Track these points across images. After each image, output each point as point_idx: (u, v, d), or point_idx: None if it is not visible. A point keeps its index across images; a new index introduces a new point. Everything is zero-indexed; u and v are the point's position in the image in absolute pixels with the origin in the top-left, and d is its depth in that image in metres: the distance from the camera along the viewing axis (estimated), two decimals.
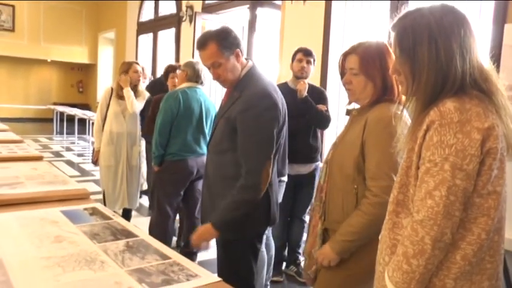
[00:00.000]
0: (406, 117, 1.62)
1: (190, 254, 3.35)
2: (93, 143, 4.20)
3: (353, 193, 1.64)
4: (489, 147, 1.07)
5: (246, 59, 2.07)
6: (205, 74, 3.28)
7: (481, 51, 1.17)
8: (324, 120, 3.25)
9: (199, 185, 3.25)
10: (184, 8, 8.48)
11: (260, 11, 6.94)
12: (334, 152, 1.74)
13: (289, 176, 3.01)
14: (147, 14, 10.60)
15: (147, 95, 4.15)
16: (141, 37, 10.80)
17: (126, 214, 4.14)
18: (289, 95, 2.71)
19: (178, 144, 3.25)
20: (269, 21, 7.10)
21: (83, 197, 1.96)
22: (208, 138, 2.74)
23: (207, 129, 3.32)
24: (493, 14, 4.19)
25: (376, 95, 1.63)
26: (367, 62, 1.63)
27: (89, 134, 9.91)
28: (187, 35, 8.24)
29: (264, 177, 1.92)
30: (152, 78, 6.39)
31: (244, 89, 1.97)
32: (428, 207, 1.08)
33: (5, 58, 13.15)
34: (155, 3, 10.06)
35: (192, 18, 8.07)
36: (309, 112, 3.14)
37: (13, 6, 12.75)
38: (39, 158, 2.75)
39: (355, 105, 1.78)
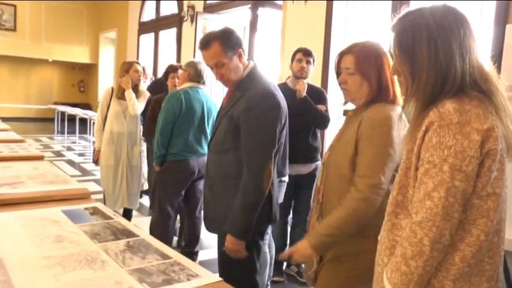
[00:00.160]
0: (404, 117, 1.63)
1: (191, 254, 3.36)
2: (94, 142, 4.20)
3: (348, 192, 1.63)
4: (488, 149, 1.07)
5: (248, 59, 2.09)
6: (207, 74, 3.28)
7: (481, 51, 1.17)
8: (323, 120, 3.25)
9: (201, 184, 3.25)
10: (185, 8, 8.48)
11: (261, 11, 6.94)
12: (331, 153, 1.74)
13: (289, 176, 3.00)
14: (149, 14, 10.60)
15: (147, 95, 4.14)
16: (143, 37, 10.80)
17: (127, 214, 4.14)
18: (289, 95, 2.71)
19: (179, 145, 3.25)
20: (270, 21, 7.10)
21: (84, 196, 1.96)
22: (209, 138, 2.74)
23: (209, 130, 3.32)
24: (495, 14, 4.19)
25: (372, 95, 1.63)
26: (362, 61, 1.63)
27: (90, 133, 9.93)
28: (189, 35, 8.24)
29: (266, 176, 1.94)
30: (153, 78, 6.39)
31: (246, 88, 1.99)
32: (427, 208, 1.07)
33: (6, 58, 13.16)
34: (156, 3, 10.06)
35: (193, 18, 8.07)
36: (308, 112, 3.14)
37: (15, 6, 12.76)
38: (40, 158, 2.75)
39: (351, 106, 1.78)
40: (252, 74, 2.04)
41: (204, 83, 3.36)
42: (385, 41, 1.72)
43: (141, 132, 4.24)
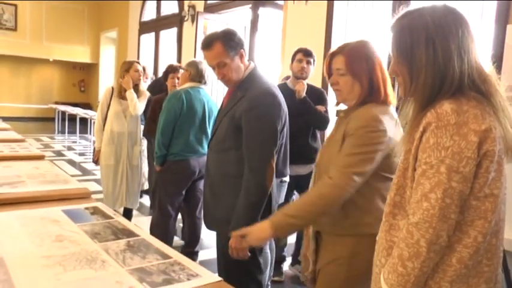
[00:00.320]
0: (393, 117, 1.61)
1: (191, 254, 3.36)
2: (94, 142, 4.20)
3: None
4: (486, 150, 1.06)
5: (248, 60, 2.13)
6: (209, 73, 3.28)
7: (480, 51, 1.16)
8: (322, 121, 3.24)
9: (201, 184, 3.25)
10: (186, 8, 8.49)
11: (262, 10, 6.94)
12: (322, 154, 1.74)
13: (289, 176, 3.00)
14: (149, 14, 10.60)
15: (148, 95, 4.14)
16: (143, 37, 10.81)
17: (127, 213, 4.14)
18: (288, 96, 2.71)
19: (180, 145, 3.25)
20: (271, 21, 7.10)
21: (84, 196, 1.97)
22: None
23: (210, 130, 3.32)
24: (495, 15, 4.18)
25: (363, 95, 1.62)
26: (353, 62, 1.62)
27: (90, 133, 9.93)
28: (189, 34, 8.24)
29: (269, 174, 1.97)
30: (154, 78, 6.39)
31: (247, 89, 2.02)
32: (424, 209, 1.07)
33: (7, 57, 13.17)
34: (157, 2, 10.06)
35: (194, 18, 8.07)
36: (307, 113, 3.14)
37: (15, 6, 12.77)
38: (40, 157, 2.75)
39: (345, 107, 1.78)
40: (253, 74, 2.07)
41: (205, 83, 3.36)
42: (386, 41, 1.72)
43: (141, 132, 4.24)
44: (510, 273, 2.37)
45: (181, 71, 3.78)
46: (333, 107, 1.80)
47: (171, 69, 3.95)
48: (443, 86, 1.12)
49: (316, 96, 3.26)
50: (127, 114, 3.98)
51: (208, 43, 2.01)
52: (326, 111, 3.26)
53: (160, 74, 6.35)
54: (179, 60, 8.47)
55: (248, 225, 1.94)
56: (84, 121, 10.81)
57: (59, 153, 8.58)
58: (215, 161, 2.12)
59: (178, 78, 3.82)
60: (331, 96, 3.86)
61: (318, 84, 3.79)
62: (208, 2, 7.94)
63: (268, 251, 2.79)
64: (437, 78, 1.12)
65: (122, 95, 3.95)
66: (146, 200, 5.09)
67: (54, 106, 12.57)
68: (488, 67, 1.17)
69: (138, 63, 4.11)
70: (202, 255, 3.63)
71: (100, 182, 4.35)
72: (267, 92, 2.00)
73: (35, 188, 1.98)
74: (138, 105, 3.93)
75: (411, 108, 1.19)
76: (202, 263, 2.87)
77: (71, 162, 7.71)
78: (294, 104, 2.95)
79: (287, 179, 2.95)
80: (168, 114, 3.21)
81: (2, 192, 1.87)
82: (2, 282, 1.11)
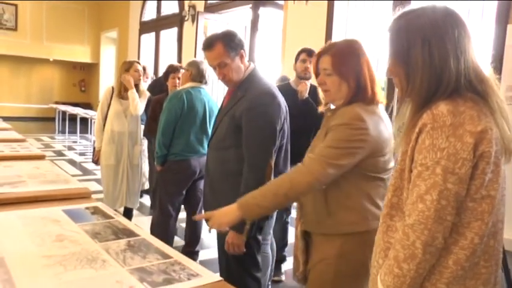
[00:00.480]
0: (381, 117, 1.61)
1: (192, 254, 3.36)
2: (94, 142, 4.20)
3: (322, 192, 1.63)
4: (482, 151, 1.05)
5: (248, 61, 2.16)
6: (209, 73, 3.28)
7: (477, 51, 1.15)
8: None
9: (201, 184, 3.25)
10: (186, 8, 8.49)
11: (262, 10, 6.95)
12: (307, 153, 1.75)
13: None
14: (150, 14, 10.61)
15: (148, 94, 4.14)
16: (144, 36, 10.81)
17: (128, 213, 4.14)
18: (291, 96, 2.70)
19: (181, 145, 3.25)
20: (271, 21, 7.10)
21: (85, 196, 1.97)
22: None
23: (210, 130, 3.32)
24: (496, 15, 4.18)
25: (350, 95, 1.61)
26: (339, 62, 1.62)
27: (90, 133, 9.94)
28: (190, 34, 8.24)
29: (268, 172, 2.00)
30: (154, 78, 6.39)
31: (247, 89, 2.05)
32: (419, 211, 1.06)
33: (7, 57, 13.17)
34: (157, 2, 10.07)
35: (194, 18, 8.07)
36: (309, 113, 3.14)
37: (16, 6, 12.78)
38: (41, 157, 2.75)
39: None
40: (253, 75, 2.11)
41: (206, 83, 3.36)
42: (385, 41, 1.72)
43: (142, 132, 4.24)
44: (510, 273, 2.37)
45: (182, 71, 3.78)
46: (322, 107, 1.79)
47: (172, 69, 3.95)
48: (439, 87, 1.11)
49: (319, 97, 3.25)
50: (127, 114, 3.98)
51: (210, 44, 2.05)
52: None
53: (160, 74, 6.36)
54: (179, 60, 8.48)
55: (246, 222, 1.96)
56: (84, 121, 10.82)
57: (59, 153, 8.58)
58: (215, 159, 2.15)
59: (179, 78, 3.81)
60: None
61: None
62: (209, 2, 7.94)
63: (269, 251, 2.81)
64: (433, 79, 1.12)
65: (122, 94, 3.95)
66: (147, 200, 5.09)
67: (54, 106, 12.57)
68: (486, 68, 1.16)
69: (138, 63, 4.10)
70: (203, 255, 3.64)
71: (100, 182, 4.35)
72: (266, 92, 2.04)
73: (36, 188, 1.98)
74: (140, 105, 3.93)
75: (408, 109, 1.18)
76: (203, 263, 2.87)
77: (72, 162, 7.72)
78: (296, 104, 2.95)
79: None
80: (168, 114, 3.21)
81: (3, 192, 1.87)
82: (3, 281, 1.11)
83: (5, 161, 2.52)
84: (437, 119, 1.07)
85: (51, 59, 13.86)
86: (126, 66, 3.99)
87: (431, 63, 1.12)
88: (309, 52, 3.26)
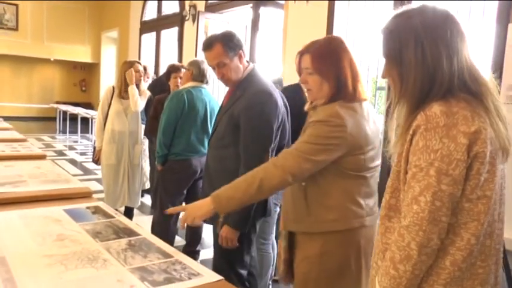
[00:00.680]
0: (363, 115, 1.60)
1: (193, 253, 3.36)
2: (95, 141, 4.20)
3: (301, 190, 1.64)
4: (476, 152, 1.05)
5: (248, 61, 2.21)
6: (210, 73, 3.28)
7: (472, 51, 1.15)
8: None
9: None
10: (187, 7, 8.49)
11: (263, 10, 6.94)
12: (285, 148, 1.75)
13: None
14: (150, 13, 10.61)
15: (148, 93, 4.14)
16: (144, 36, 10.81)
17: (128, 213, 4.14)
18: (300, 95, 2.69)
19: (182, 144, 3.25)
20: (272, 20, 7.10)
21: (86, 195, 1.97)
22: None
23: (211, 129, 3.32)
24: (497, 14, 4.18)
25: (331, 93, 1.61)
26: (319, 60, 1.61)
27: (91, 132, 9.95)
28: (190, 34, 8.24)
29: None
30: (155, 77, 6.40)
31: (246, 88, 2.09)
32: (414, 212, 1.06)
33: (8, 57, 13.18)
34: (158, 2, 10.07)
35: (195, 18, 8.07)
36: None
37: (16, 6, 12.78)
38: (42, 157, 2.76)
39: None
40: (252, 74, 2.15)
41: (207, 82, 3.37)
42: (379, 42, 1.71)
43: (143, 132, 4.24)
44: (511, 272, 2.37)
45: (183, 70, 3.78)
46: (306, 107, 1.78)
47: (173, 69, 3.95)
48: (432, 88, 1.11)
49: None
50: (128, 113, 3.98)
51: (209, 44, 2.11)
52: None
53: (161, 74, 6.36)
54: (180, 59, 8.48)
55: (240, 218, 2.00)
56: (85, 121, 10.82)
57: (60, 153, 8.59)
58: (214, 157, 2.19)
59: (180, 78, 3.81)
60: None
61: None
62: (209, 1, 7.94)
63: (271, 250, 2.83)
64: (426, 79, 1.12)
65: (122, 94, 3.95)
66: (147, 199, 5.09)
67: (55, 106, 12.57)
68: (482, 68, 1.16)
69: (139, 63, 4.10)
70: (204, 254, 3.64)
71: (101, 182, 4.35)
72: (263, 91, 2.07)
73: (37, 188, 1.99)
74: (139, 101, 3.92)
75: (402, 110, 1.18)
76: (204, 262, 2.87)
77: (73, 162, 7.72)
78: (305, 103, 2.93)
79: None
80: (169, 114, 3.21)
81: (4, 191, 1.88)
82: (4, 281, 1.12)
83: (6, 161, 2.52)
84: (431, 120, 1.07)
85: (52, 59, 13.86)
86: (127, 67, 3.99)
87: (423, 64, 1.11)
88: None
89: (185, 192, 3.40)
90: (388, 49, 1.18)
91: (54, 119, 12.80)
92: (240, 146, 2.05)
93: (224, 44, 2.08)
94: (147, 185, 5.08)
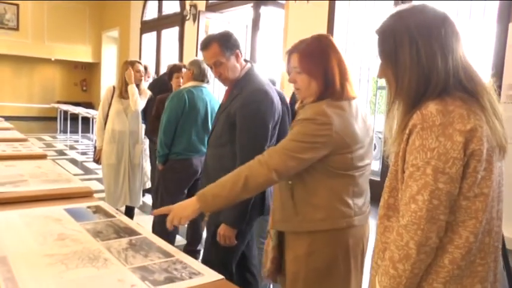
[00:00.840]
0: (351, 113, 1.58)
1: (193, 252, 3.36)
2: (95, 141, 4.20)
3: (288, 189, 1.63)
4: (473, 149, 1.05)
5: (246, 60, 2.23)
6: (211, 72, 3.28)
7: (467, 51, 1.15)
8: None
9: None
10: (188, 7, 8.50)
11: (264, 9, 6.95)
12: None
13: None
14: (151, 13, 10.62)
15: (148, 93, 4.14)
16: (145, 36, 10.82)
17: (129, 212, 4.14)
18: None
19: (183, 144, 3.25)
20: (273, 20, 7.10)
21: (86, 195, 1.97)
22: None
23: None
24: (497, 14, 4.18)
25: (319, 92, 1.60)
26: (306, 60, 1.61)
27: (92, 132, 9.95)
28: (191, 33, 8.25)
29: None
30: (156, 77, 6.40)
31: (243, 87, 2.12)
32: (412, 211, 1.07)
33: (9, 57, 13.20)
34: (159, 2, 10.08)
35: (195, 17, 8.07)
36: None
37: (17, 6, 12.80)
38: (43, 157, 2.76)
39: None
40: (249, 74, 2.17)
41: (207, 82, 3.37)
42: (374, 42, 1.70)
43: (143, 131, 4.24)
44: None
45: (184, 70, 3.77)
46: (296, 106, 1.77)
47: (175, 69, 3.95)
48: (428, 88, 1.11)
49: None
50: (128, 113, 3.99)
51: (206, 44, 2.14)
52: None
53: (161, 73, 6.36)
54: (181, 59, 8.48)
55: (237, 216, 2.02)
56: (86, 120, 10.83)
57: (61, 153, 8.60)
58: (213, 156, 2.21)
59: (183, 78, 3.81)
60: None
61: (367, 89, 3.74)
62: (210, 1, 7.95)
63: None
64: (421, 79, 1.12)
65: (123, 94, 3.95)
66: (148, 199, 5.10)
67: (56, 105, 12.59)
68: (477, 66, 1.16)
69: (140, 63, 4.10)
70: None
71: (102, 181, 4.36)
72: (259, 90, 2.08)
73: (38, 187, 1.99)
74: (139, 100, 3.92)
75: (398, 110, 1.18)
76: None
77: (73, 161, 7.73)
78: None
79: None
80: (170, 113, 3.21)
81: (5, 191, 1.88)
82: (6, 280, 1.12)
83: (7, 161, 2.52)
84: (427, 119, 1.07)
85: (52, 59, 13.88)
86: (128, 66, 4.00)
87: (418, 63, 1.12)
88: None
89: (186, 191, 3.40)
90: (383, 49, 1.19)
91: (55, 118, 12.81)
92: (236, 145, 2.06)
93: (221, 44, 2.11)
94: (148, 185, 5.08)
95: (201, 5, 8.11)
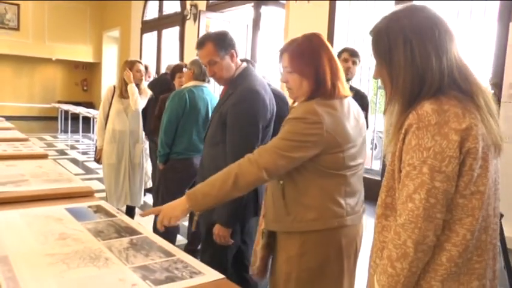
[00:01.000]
0: (343, 112, 1.58)
1: (194, 252, 3.36)
2: (97, 141, 4.21)
3: (279, 188, 1.63)
4: (468, 148, 1.06)
5: (245, 60, 2.27)
6: None
7: (461, 50, 1.16)
8: None
9: None
10: (188, 7, 8.50)
11: (264, 9, 6.95)
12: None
13: None
14: (152, 13, 10.62)
15: (149, 93, 4.15)
16: (146, 35, 10.82)
17: (130, 212, 4.15)
18: None
19: (183, 143, 3.26)
20: (273, 19, 7.11)
21: (87, 194, 1.97)
22: None
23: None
24: (498, 13, 4.18)
25: (310, 91, 1.59)
26: (297, 59, 1.60)
27: (93, 132, 9.95)
28: (192, 33, 8.25)
29: None
30: (156, 77, 6.40)
31: (237, 86, 2.13)
32: (409, 210, 1.08)
33: (10, 57, 13.20)
34: (159, 1, 10.08)
35: (196, 17, 8.08)
36: None
37: (18, 5, 12.81)
38: (44, 156, 2.76)
39: None
40: (244, 73, 2.18)
41: (208, 81, 3.37)
42: (369, 43, 1.69)
43: (144, 131, 4.24)
44: None
45: (184, 69, 3.78)
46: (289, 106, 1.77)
47: (178, 69, 3.95)
48: (423, 88, 1.12)
49: (359, 100, 3.05)
50: (128, 113, 3.99)
51: (201, 43, 2.17)
52: (366, 117, 3.14)
53: (161, 73, 6.36)
54: (181, 59, 8.49)
55: (229, 215, 2.03)
56: (86, 120, 10.83)
57: (62, 152, 8.60)
58: (208, 155, 2.23)
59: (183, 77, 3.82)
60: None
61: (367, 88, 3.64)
62: (210, 1, 7.95)
63: None
64: (416, 79, 1.13)
65: (123, 94, 3.96)
66: (149, 199, 5.10)
67: (57, 105, 12.59)
68: (472, 66, 1.17)
69: (140, 63, 4.10)
70: None
71: (103, 181, 4.36)
72: (251, 90, 2.08)
73: (39, 187, 1.99)
74: (139, 99, 3.92)
75: (394, 110, 1.19)
76: None
77: (74, 161, 7.73)
78: None
79: None
80: (171, 113, 3.22)
81: (6, 190, 1.88)
82: (7, 279, 1.12)
83: (8, 160, 2.52)
84: (422, 118, 1.08)
85: (53, 59, 13.89)
86: (128, 66, 4.00)
87: (413, 64, 1.13)
88: (352, 52, 3.14)
89: (187, 191, 3.40)
90: (378, 50, 1.20)
91: (55, 118, 12.82)
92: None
93: (215, 43, 2.12)
94: (149, 184, 5.08)
95: (202, 5, 8.11)
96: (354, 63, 3.14)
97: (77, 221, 1.60)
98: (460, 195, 1.09)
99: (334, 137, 1.52)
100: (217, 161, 2.10)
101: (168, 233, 3.23)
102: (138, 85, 4.00)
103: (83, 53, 13.94)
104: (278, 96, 2.92)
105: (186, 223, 3.90)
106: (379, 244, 1.21)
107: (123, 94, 3.95)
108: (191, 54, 7.64)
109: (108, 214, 1.71)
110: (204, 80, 3.32)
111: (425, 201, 1.06)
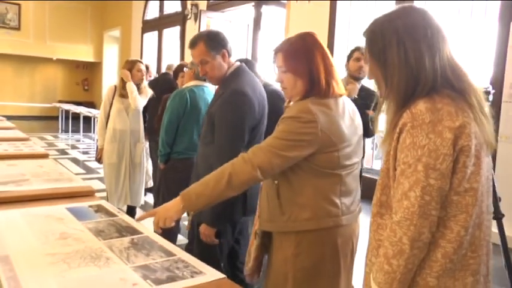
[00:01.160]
0: (338, 111, 1.57)
1: None
2: (97, 140, 4.21)
3: (274, 188, 1.62)
4: (462, 145, 1.08)
5: (243, 60, 2.28)
6: None
7: (454, 50, 1.18)
8: (367, 127, 3.00)
9: None
10: (189, 6, 8.50)
11: (265, 9, 6.95)
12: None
13: None
14: (152, 12, 10.62)
15: (150, 92, 4.15)
16: (146, 35, 10.83)
17: (131, 211, 4.15)
18: None
19: (184, 143, 3.25)
20: (274, 19, 7.10)
21: (88, 194, 1.97)
22: None
23: None
24: (499, 13, 4.18)
25: (305, 90, 1.59)
26: (291, 59, 1.60)
27: (94, 131, 9.95)
28: (192, 33, 8.22)
29: None
30: (157, 76, 6.40)
31: (227, 86, 2.13)
32: (404, 208, 1.09)
33: (10, 56, 13.21)
34: (160, 1, 10.09)
35: (197, 17, 8.08)
36: None
37: (19, 5, 12.81)
38: (44, 156, 2.76)
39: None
40: (236, 73, 2.18)
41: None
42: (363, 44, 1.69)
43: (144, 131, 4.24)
44: None
45: (185, 69, 3.78)
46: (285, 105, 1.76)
47: (180, 69, 3.95)
48: (417, 87, 1.14)
49: (371, 99, 3.01)
50: (129, 112, 3.99)
51: (193, 42, 2.19)
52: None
53: (162, 72, 6.36)
54: (182, 58, 8.49)
55: (214, 215, 2.03)
56: (87, 120, 10.84)
57: (62, 152, 8.61)
58: (202, 154, 2.25)
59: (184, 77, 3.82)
60: None
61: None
62: (211, 0, 7.95)
63: None
64: (410, 78, 1.15)
65: (123, 93, 3.96)
66: (150, 198, 5.10)
67: (57, 105, 12.59)
68: (465, 65, 1.19)
69: (141, 62, 4.10)
70: None
71: (103, 180, 4.36)
72: (237, 91, 2.07)
73: (40, 186, 1.99)
74: (138, 98, 3.92)
75: (389, 109, 1.20)
76: None
77: (75, 161, 7.74)
78: None
79: None
80: (171, 113, 3.21)
81: (7, 190, 1.88)
82: (8, 279, 1.12)
83: (9, 160, 2.53)
84: (417, 117, 1.10)
85: (54, 58, 13.88)
86: (128, 66, 4.00)
87: (406, 63, 1.15)
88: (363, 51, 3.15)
89: None
90: (372, 50, 1.22)
91: (56, 118, 12.82)
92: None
93: (207, 43, 2.14)
94: (150, 184, 5.08)
95: (203, 5, 8.11)
96: (367, 61, 3.11)
97: (78, 220, 1.61)
98: (454, 192, 1.11)
99: (329, 136, 1.52)
100: (209, 160, 2.10)
101: (169, 233, 3.25)
102: (138, 84, 4.00)
103: (83, 53, 13.94)
104: (278, 96, 2.91)
105: (186, 222, 3.90)
106: (375, 242, 1.22)
107: (123, 93, 3.95)
108: None
109: (108, 214, 1.71)
110: (205, 80, 3.32)
111: (421, 199, 1.07)
